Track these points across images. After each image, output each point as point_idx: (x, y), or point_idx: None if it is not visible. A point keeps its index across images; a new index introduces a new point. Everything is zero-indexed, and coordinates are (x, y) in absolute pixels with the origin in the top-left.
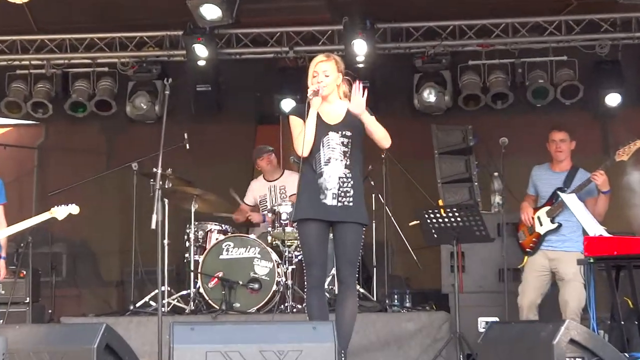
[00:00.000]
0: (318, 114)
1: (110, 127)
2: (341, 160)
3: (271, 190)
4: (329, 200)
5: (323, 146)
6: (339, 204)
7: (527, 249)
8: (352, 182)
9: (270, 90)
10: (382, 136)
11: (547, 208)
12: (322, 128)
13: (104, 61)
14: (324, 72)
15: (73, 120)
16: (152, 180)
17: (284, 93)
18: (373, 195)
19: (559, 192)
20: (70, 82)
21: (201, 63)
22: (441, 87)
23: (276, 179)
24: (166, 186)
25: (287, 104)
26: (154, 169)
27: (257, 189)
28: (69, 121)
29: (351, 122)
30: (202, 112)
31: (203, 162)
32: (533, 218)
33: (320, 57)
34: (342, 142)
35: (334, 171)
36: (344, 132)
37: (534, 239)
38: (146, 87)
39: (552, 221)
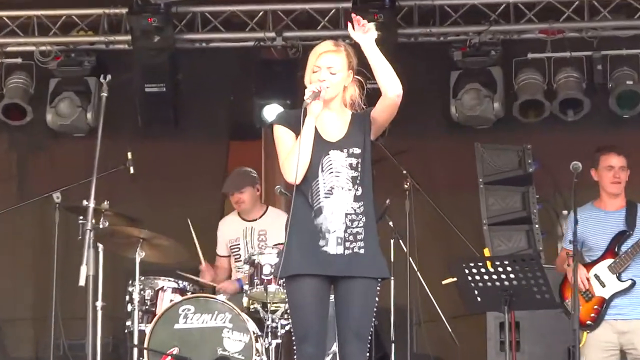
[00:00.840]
0: (319, 123)
1: (24, 143)
2: (349, 190)
3: (246, 234)
4: (332, 247)
5: (323, 170)
6: (347, 252)
7: (586, 323)
8: (364, 220)
9: (248, 93)
10: (391, 77)
11: (607, 262)
12: (321, 145)
13: (16, 49)
14: (328, 67)
15: None
16: (80, 217)
17: (267, 96)
18: (392, 240)
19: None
20: None
21: (153, 53)
22: (489, 90)
23: (255, 219)
24: (101, 226)
25: (272, 112)
26: (84, 202)
27: (228, 231)
28: None
29: (359, 136)
30: (154, 123)
31: (154, 193)
32: (588, 279)
33: (326, 45)
34: (350, 164)
35: (339, 205)
36: (351, 150)
37: (595, 307)
38: (75, 86)
39: (620, 278)
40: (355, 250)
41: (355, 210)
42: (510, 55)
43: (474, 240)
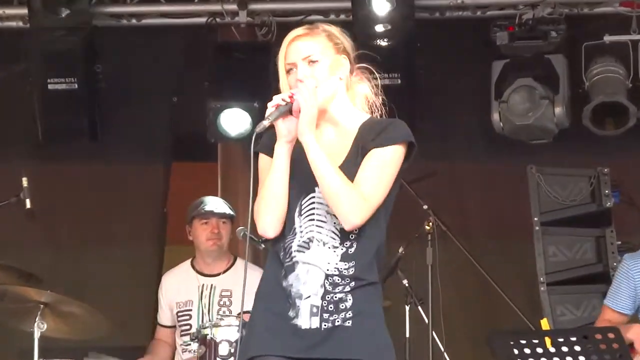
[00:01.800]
0: (301, 148)
1: None
2: (333, 247)
3: (203, 295)
4: (304, 319)
5: (300, 214)
6: (324, 325)
7: None
8: (352, 284)
9: (199, 92)
10: (334, 191)
11: None
12: (304, 178)
13: None
14: (305, 58)
15: None
16: None
17: (227, 97)
18: (407, 307)
19: None
20: None
21: (59, 34)
22: (547, 89)
23: (218, 274)
24: None
25: (234, 120)
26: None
27: (176, 290)
28: None
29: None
30: (61, 135)
31: (60, 236)
32: None
33: (294, 31)
34: None
35: (317, 262)
36: None
37: None
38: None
39: None
40: (338, 323)
41: (340, 271)
42: (579, 38)
43: (526, 306)
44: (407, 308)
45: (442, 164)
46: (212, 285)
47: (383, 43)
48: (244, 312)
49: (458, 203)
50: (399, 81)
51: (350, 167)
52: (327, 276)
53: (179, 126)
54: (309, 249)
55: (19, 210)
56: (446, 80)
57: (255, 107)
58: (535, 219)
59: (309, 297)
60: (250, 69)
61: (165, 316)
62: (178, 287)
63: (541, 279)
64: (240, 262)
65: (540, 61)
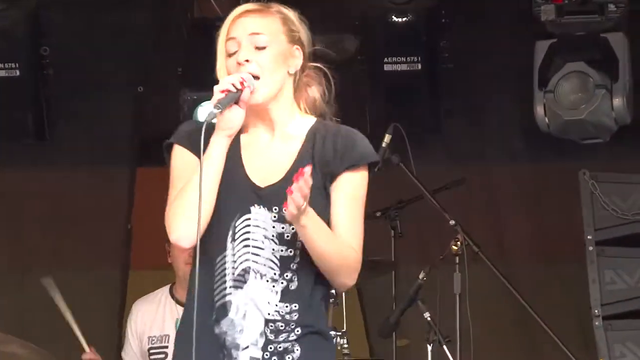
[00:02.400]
0: (234, 155)
1: None
2: (273, 280)
3: None
4: None
5: (234, 239)
6: None
7: None
8: (299, 330)
9: (170, 79)
10: (335, 265)
11: None
12: (237, 193)
13: None
14: (251, 35)
15: None
16: None
17: (205, 85)
18: (429, 346)
19: None
20: None
21: None
22: (604, 75)
23: None
24: None
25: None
26: None
27: (149, 322)
28: None
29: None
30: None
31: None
32: None
33: (244, 6)
34: (280, 236)
35: (255, 301)
36: (281, 209)
37: None
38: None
39: None
40: None
41: (282, 315)
42: None
43: (577, 344)
44: (430, 347)
45: (473, 169)
46: None
47: (399, 19)
48: None
49: (492, 217)
50: (419, 66)
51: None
52: (267, 322)
53: (146, 123)
54: (245, 283)
55: None
56: (477, 65)
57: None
58: (589, 237)
59: (247, 347)
60: None
61: (132, 352)
62: (152, 318)
63: (596, 311)
64: None
65: (594, 42)
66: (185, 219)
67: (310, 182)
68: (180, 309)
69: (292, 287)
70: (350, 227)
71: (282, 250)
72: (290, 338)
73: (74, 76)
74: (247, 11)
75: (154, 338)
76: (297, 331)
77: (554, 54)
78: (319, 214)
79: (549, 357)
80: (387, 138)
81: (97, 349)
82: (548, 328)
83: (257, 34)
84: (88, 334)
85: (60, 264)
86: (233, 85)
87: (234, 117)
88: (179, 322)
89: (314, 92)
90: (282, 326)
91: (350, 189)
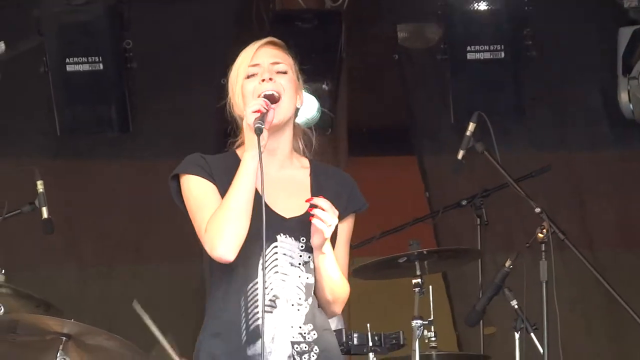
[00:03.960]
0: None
1: None
2: (298, 305)
3: None
4: None
5: (265, 267)
6: None
7: None
8: (317, 349)
9: None
10: (337, 294)
11: None
12: (266, 221)
13: None
14: (273, 63)
15: None
16: None
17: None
18: (517, 333)
19: None
20: None
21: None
22: None
23: None
24: None
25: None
26: None
27: None
28: None
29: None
30: (83, 128)
31: (84, 253)
32: None
33: (269, 38)
34: (306, 264)
35: (284, 326)
36: (308, 240)
37: None
38: None
39: None
40: None
41: (304, 336)
42: None
43: None
44: (517, 335)
45: (558, 156)
46: None
47: (483, 7)
48: None
49: (577, 204)
50: (503, 54)
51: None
52: (293, 344)
53: (228, 114)
54: (275, 308)
55: (33, 221)
56: (561, 52)
57: (323, 90)
58: None
59: None
60: (316, 42)
61: None
62: None
63: None
64: None
65: None
66: (228, 234)
67: (337, 212)
68: None
69: (314, 311)
70: (344, 266)
71: (307, 278)
72: (312, 357)
73: (156, 69)
74: (271, 42)
75: None
76: (315, 349)
77: (638, 40)
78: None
79: (637, 344)
80: (471, 126)
81: (179, 341)
82: (635, 315)
83: (279, 62)
84: (171, 323)
85: (143, 257)
86: (262, 106)
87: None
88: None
89: (305, 134)
90: (305, 347)
91: (348, 231)
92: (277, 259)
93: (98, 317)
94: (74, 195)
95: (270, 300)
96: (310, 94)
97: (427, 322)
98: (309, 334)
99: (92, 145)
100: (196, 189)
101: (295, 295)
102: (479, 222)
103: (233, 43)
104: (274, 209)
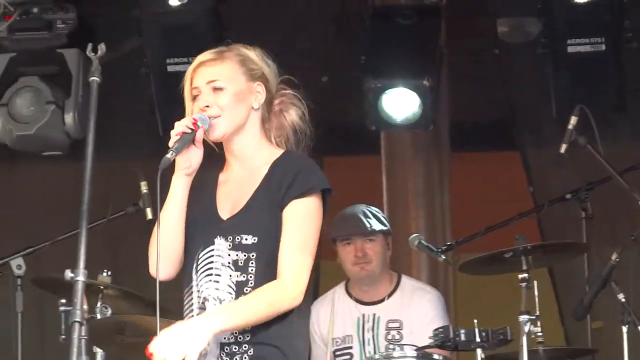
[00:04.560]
0: (210, 193)
1: None
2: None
3: (364, 328)
4: None
5: (197, 271)
6: None
7: None
8: (251, 352)
9: (353, 69)
10: (271, 316)
11: None
12: (205, 226)
13: None
14: (209, 82)
15: None
16: (62, 300)
17: (388, 74)
18: (624, 327)
19: None
20: None
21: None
22: None
23: (381, 300)
24: (99, 315)
25: (399, 102)
26: (67, 273)
27: (331, 324)
28: None
29: (264, 211)
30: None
31: None
32: None
33: (204, 55)
34: (235, 263)
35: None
36: (239, 239)
37: None
38: (41, 65)
39: None
40: None
41: (235, 336)
42: None
43: None
44: (625, 329)
45: None
46: (374, 315)
47: (582, 0)
48: (425, 348)
49: None
50: (603, 47)
51: (261, 205)
52: (222, 345)
53: (331, 112)
54: (205, 310)
55: (137, 223)
56: None
57: (424, 86)
58: None
59: None
60: (416, 38)
61: (319, 354)
62: (332, 320)
63: None
64: (406, 283)
65: None
66: (151, 256)
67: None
68: (360, 307)
69: None
70: (288, 258)
71: (237, 276)
72: (245, 359)
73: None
74: (202, 63)
75: (337, 340)
76: (250, 352)
77: None
78: (269, 236)
79: None
80: (573, 120)
81: None
82: None
83: (213, 80)
84: None
85: None
86: (187, 126)
87: (192, 156)
88: (362, 320)
89: (292, 115)
90: (235, 348)
91: (294, 216)
92: (212, 262)
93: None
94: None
95: (201, 303)
96: (411, 90)
97: (534, 317)
98: (241, 334)
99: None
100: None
101: (227, 294)
102: (583, 216)
103: (332, 40)
104: (220, 212)
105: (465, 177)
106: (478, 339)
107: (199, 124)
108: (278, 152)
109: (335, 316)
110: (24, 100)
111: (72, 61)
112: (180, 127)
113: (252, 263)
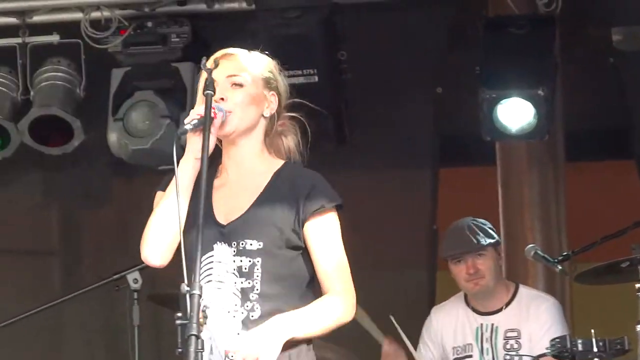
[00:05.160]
0: (205, 198)
1: (70, 186)
2: (234, 311)
3: (483, 337)
4: None
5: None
6: None
7: None
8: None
9: (468, 80)
10: (335, 328)
11: None
12: (205, 231)
13: (49, 19)
14: (229, 76)
15: None
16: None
17: (504, 84)
18: None
19: None
20: None
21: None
22: None
23: (498, 310)
24: None
25: (514, 112)
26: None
27: (452, 334)
28: None
29: (273, 218)
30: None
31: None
32: None
33: (230, 49)
34: (240, 269)
35: (217, 339)
36: (243, 244)
37: None
38: (156, 79)
39: None
40: None
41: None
42: None
43: None
44: None
45: None
46: (492, 325)
47: None
48: (542, 356)
49: None
50: None
51: (261, 213)
52: (227, 354)
53: (446, 123)
54: (207, 318)
55: None
56: None
57: (539, 95)
58: None
59: None
60: (531, 47)
61: (429, 353)
62: (453, 329)
63: None
64: (524, 293)
65: None
66: (152, 238)
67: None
68: (478, 317)
69: (254, 317)
70: (337, 273)
71: (242, 282)
72: None
73: (371, 79)
74: (227, 54)
75: (458, 348)
76: None
77: None
78: (275, 243)
79: None
80: None
81: None
82: None
83: (234, 75)
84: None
85: (364, 266)
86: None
87: (197, 143)
88: (480, 330)
89: (289, 141)
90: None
91: (324, 230)
92: (211, 268)
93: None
94: None
95: (202, 311)
96: (526, 100)
97: None
98: None
99: (310, 156)
100: (155, 202)
101: (231, 302)
102: None
103: (446, 51)
104: (217, 217)
105: (580, 187)
106: (595, 349)
107: (218, 112)
108: (279, 162)
109: (456, 325)
110: (139, 115)
111: (187, 75)
112: (200, 109)
113: (257, 269)
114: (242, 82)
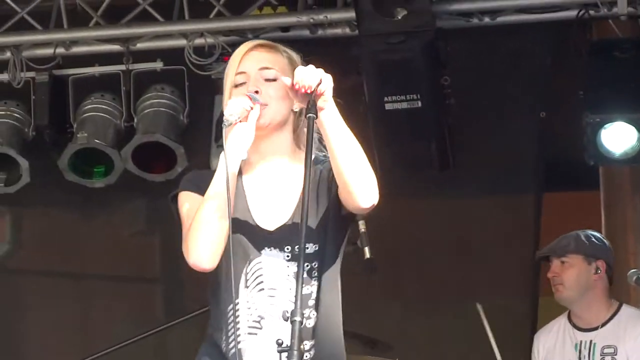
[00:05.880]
0: (239, 199)
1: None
2: (289, 324)
3: (582, 355)
4: None
5: (247, 286)
6: None
7: None
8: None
9: (571, 104)
10: (365, 175)
11: None
12: (249, 238)
13: (152, 46)
14: (262, 69)
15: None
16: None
17: (607, 108)
18: None
19: None
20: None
21: (396, 40)
22: None
23: (596, 326)
24: None
25: (617, 136)
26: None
27: (552, 353)
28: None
29: (317, 217)
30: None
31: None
32: None
33: (255, 41)
34: (294, 271)
35: (268, 348)
36: (298, 249)
37: None
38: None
39: None
40: None
41: (302, 352)
42: None
43: None
44: None
45: None
46: (591, 341)
47: None
48: None
49: None
50: None
51: (310, 213)
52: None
53: (550, 148)
54: (261, 329)
55: (356, 260)
56: None
57: None
58: None
59: None
60: (635, 71)
61: None
62: (554, 347)
63: None
64: (626, 309)
65: None
66: (201, 240)
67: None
68: (578, 333)
69: (310, 325)
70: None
71: (304, 288)
72: None
73: (475, 104)
74: (259, 45)
75: None
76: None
77: None
78: (329, 241)
79: None
80: None
81: None
82: None
83: (267, 68)
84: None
85: (467, 290)
86: (246, 105)
87: (245, 132)
88: (579, 346)
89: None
90: None
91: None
92: (261, 275)
93: (422, 354)
94: (393, 232)
95: (254, 321)
96: (630, 124)
97: None
98: (308, 351)
99: (412, 183)
100: (183, 203)
101: (287, 310)
102: None
103: (550, 75)
104: (259, 221)
105: None
106: None
107: (253, 101)
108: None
109: (556, 341)
110: None
111: None
112: (240, 101)
113: (315, 273)
114: (276, 76)
